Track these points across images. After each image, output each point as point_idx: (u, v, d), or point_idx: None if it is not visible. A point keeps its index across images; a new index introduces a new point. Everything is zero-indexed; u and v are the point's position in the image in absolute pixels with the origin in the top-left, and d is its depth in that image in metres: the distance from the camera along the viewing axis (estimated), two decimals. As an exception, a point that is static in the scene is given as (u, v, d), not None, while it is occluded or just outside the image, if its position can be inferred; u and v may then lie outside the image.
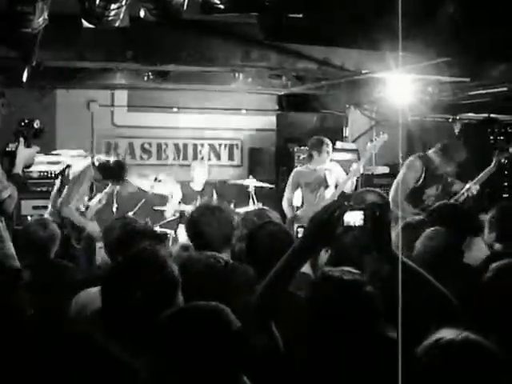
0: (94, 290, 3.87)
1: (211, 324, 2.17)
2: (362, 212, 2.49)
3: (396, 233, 4.42)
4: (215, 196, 8.63)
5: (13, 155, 4.97)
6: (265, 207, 7.68)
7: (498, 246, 4.34)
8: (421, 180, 6.62)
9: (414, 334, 2.38)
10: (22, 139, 5.02)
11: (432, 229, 3.88)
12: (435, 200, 6.59)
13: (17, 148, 4.99)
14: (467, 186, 6.73)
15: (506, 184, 9.15)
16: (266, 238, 3.55)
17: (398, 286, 2.44)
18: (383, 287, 2.53)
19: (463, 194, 6.67)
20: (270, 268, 2.58)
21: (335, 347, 2.41)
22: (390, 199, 6.49)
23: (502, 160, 6.93)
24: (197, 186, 8.73)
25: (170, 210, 8.44)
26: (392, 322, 2.42)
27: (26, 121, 5.16)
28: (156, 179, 8.36)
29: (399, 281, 2.41)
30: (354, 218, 2.50)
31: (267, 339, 2.50)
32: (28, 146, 5.04)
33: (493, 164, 6.85)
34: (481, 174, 6.80)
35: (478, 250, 4.42)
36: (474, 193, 6.70)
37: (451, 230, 3.94)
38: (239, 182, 9.03)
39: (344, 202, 2.57)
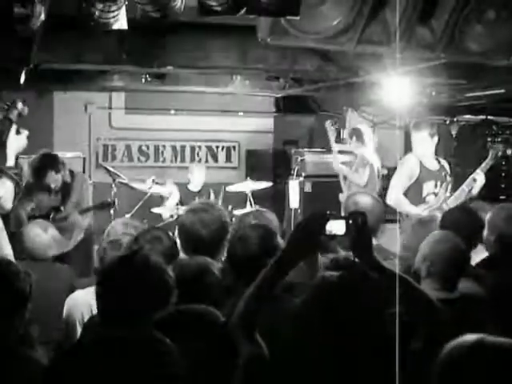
0: (81, 292, 3.88)
1: (202, 326, 2.16)
2: (344, 221, 2.50)
3: (405, 229, 4.44)
4: (212, 197, 8.63)
5: (3, 146, 4.85)
6: (262, 208, 7.73)
7: (495, 247, 4.34)
8: (416, 176, 6.62)
9: (402, 338, 2.38)
10: (13, 127, 4.88)
11: (440, 232, 3.86)
12: (437, 197, 6.61)
13: (7, 137, 4.87)
14: (472, 176, 6.66)
15: (503, 186, 9.15)
16: (239, 243, 3.50)
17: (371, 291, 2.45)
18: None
19: (469, 184, 6.62)
20: (246, 272, 2.56)
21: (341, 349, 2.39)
22: (388, 197, 6.53)
23: (499, 152, 6.86)
24: (194, 187, 8.74)
25: (167, 212, 8.44)
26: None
27: (8, 103, 5.04)
28: (153, 181, 8.36)
29: (381, 288, 2.42)
30: (337, 226, 2.50)
31: (252, 347, 2.50)
32: (17, 132, 4.90)
33: (490, 156, 6.79)
34: (481, 165, 6.74)
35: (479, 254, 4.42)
36: (483, 181, 6.63)
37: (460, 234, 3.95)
38: (236, 188, 8.96)
39: (326, 210, 2.57)
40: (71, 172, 6.95)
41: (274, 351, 2.53)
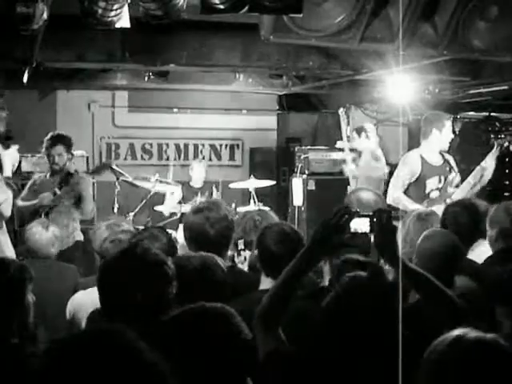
0: (86, 291, 3.89)
1: (221, 326, 2.15)
2: (368, 218, 2.49)
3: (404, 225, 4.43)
4: (215, 195, 8.64)
5: None
6: (264, 207, 7.73)
7: (498, 244, 4.33)
8: (417, 174, 6.56)
9: (423, 337, 2.37)
10: None
11: (432, 229, 3.88)
12: (440, 193, 6.57)
13: None
14: (481, 164, 6.58)
15: (507, 183, 9.14)
16: (276, 238, 3.50)
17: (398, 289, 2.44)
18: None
19: (475, 175, 6.56)
20: (281, 268, 2.58)
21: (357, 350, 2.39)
22: (388, 196, 6.48)
23: (505, 144, 6.79)
24: (195, 184, 8.74)
25: (168, 209, 8.44)
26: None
27: None
28: (157, 180, 8.36)
29: (400, 285, 2.41)
30: (361, 224, 2.49)
31: (274, 343, 2.50)
32: (7, 147, 5.07)
33: (495, 148, 6.70)
34: (487, 156, 6.66)
35: (482, 250, 4.41)
36: (493, 166, 6.56)
37: (453, 231, 3.96)
38: (240, 186, 8.96)
39: (350, 208, 2.56)
40: (76, 170, 7.00)
41: (299, 347, 2.54)
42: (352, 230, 2.49)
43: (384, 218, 2.49)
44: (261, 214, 4.40)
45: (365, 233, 2.50)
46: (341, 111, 8.39)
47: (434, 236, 3.74)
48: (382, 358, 2.35)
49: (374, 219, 2.49)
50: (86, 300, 3.83)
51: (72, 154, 6.90)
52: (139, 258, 2.73)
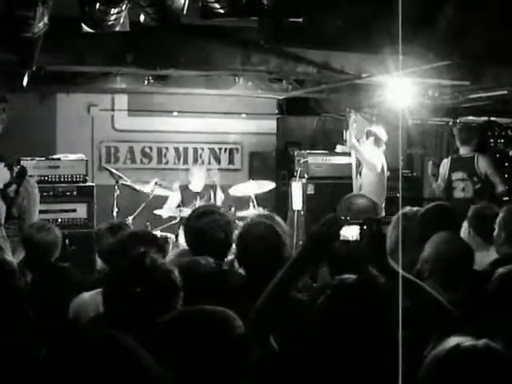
0: (89, 294, 3.89)
1: (215, 328, 2.16)
2: (358, 226, 2.50)
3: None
4: (217, 199, 8.65)
5: None
6: (270, 213, 7.72)
7: (506, 247, 4.31)
8: None
9: (414, 342, 2.38)
10: None
11: (444, 233, 3.85)
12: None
13: None
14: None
15: (506, 187, 9.12)
16: (255, 240, 3.49)
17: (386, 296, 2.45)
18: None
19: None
20: (260, 271, 2.58)
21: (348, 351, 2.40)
22: None
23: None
24: (195, 188, 8.75)
25: (167, 213, 8.45)
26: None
27: None
28: (156, 183, 8.37)
29: (399, 293, 2.42)
30: (351, 232, 2.51)
31: (265, 351, 2.51)
32: None
33: None
34: None
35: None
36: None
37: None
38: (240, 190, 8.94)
39: (341, 216, 2.58)
40: (18, 174, 5.96)
41: (290, 351, 2.54)
42: (342, 238, 2.51)
43: (374, 225, 2.50)
44: (268, 218, 4.38)
45: (356, 240, 2.52)
46: (351, 120, 8.38)
47: (448, 241, 3.70)
48: (370, 358, 2.36)
49: (364, 227, 2.50)
50: (89, 302, 3.83)
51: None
52: (147, 268, 2.73)
